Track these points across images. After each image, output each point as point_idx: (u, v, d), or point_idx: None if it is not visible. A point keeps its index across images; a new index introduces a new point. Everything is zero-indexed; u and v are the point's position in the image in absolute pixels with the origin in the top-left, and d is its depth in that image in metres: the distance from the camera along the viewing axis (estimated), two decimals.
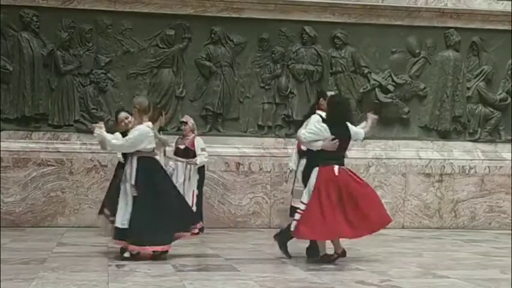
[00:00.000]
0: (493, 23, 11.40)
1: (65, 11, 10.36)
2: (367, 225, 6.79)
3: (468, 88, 11.52)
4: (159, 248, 6.76)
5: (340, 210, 6.69)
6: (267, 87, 10.99)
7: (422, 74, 11.43)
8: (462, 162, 11.23)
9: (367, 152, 10.88)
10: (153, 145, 6.95)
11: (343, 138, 6.84)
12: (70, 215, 10.06)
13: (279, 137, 10.97)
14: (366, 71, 11.18)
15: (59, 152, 10.19)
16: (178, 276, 5.86)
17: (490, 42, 11.53)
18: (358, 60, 11.16)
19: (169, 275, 5.92)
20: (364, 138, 7.45)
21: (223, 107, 10.83)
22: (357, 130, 7.11)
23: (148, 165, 6.86)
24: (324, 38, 11.08)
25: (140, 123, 6.96)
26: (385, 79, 11.24)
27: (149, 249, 6.76)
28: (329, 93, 7.54)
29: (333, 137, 6.79)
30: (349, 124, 7.00)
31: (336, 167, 6.78)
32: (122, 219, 6.80)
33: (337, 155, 6.84)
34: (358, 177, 7.08)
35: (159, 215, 6.70)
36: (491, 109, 11.57)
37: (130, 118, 7.75)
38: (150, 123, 7.00)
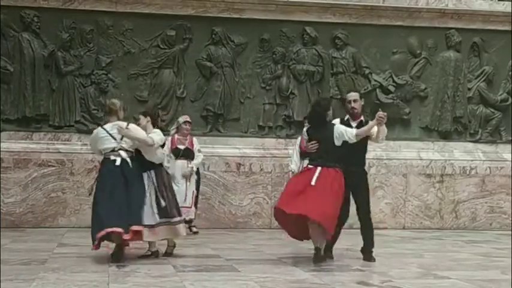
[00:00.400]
0: (493, 24, 11.40)
1: (65, 12, 10.37)
2: (303, 207, 6.52)
3: (469, 89, 11.52)
4: (94, 246, 6.74)
5: (296, 196, 6.65)
6: (267, 87, 10.99)
7: (423, 75, 11.42)
8: (463, 163, 11.22)
9: (368, 152, 10.79)
10: (109, 145, 6.87)
11: (319, 139, 6.82)
12: (71, 216, 10.06)
13: (280, 138, 10.96)
14: (367, 71, 11.18)
15: (60, 152, 10.19)
16: (179, 277, 5.86)
17: (491, 42, 11.52)
18: (359, 60, 11.16)
19: (169, 276, 5.92)
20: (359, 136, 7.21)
21: (224, 108, 10.82)
22: (345, 130, 6.85)
23: (103, 166, 6.98)
24: (324, 38, 11.08)
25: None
26: (386, 80, 11.24)
27: (93, 247, 6.75)
28: (348, 96, 7.32)
29: (307, 138, 6.92)
30: (336, 124, 6.92)
31: (310, 167, 6.83)
32: None
33: (319, 156, 6.81)
34: (331, 183, 6.72)
35: (101, 213, 6.84)
36: (492, 110, 11.56)
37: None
38: (107, 125, 6.98)
